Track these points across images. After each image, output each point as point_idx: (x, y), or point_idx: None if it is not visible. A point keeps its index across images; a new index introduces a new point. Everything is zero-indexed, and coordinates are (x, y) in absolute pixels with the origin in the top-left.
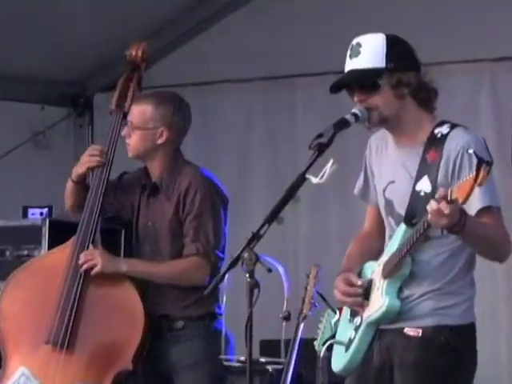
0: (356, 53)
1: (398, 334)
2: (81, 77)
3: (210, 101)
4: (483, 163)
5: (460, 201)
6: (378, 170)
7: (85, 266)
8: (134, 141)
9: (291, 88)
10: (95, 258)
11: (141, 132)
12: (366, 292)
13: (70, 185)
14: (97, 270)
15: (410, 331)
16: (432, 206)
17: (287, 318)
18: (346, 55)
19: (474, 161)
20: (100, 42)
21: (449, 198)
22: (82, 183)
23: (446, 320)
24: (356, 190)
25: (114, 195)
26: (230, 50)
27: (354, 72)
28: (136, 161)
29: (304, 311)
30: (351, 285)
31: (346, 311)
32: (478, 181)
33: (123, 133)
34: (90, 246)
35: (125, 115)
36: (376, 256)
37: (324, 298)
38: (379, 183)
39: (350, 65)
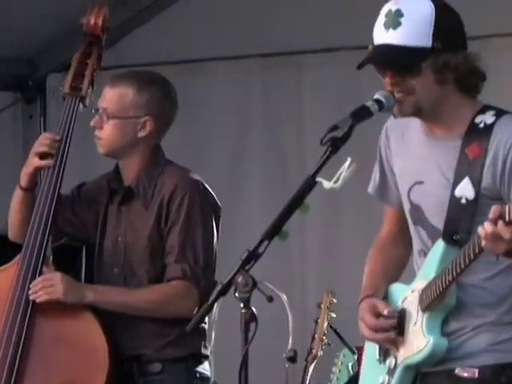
0: (395, 23)
1: (448, 376)
2: (30, 53)
3: (193, 83)
4: None
5: None
6: (400, 164)
7: (41, 294)
8: (107, 133)
9: (297, 67)
10: (55, 285)
11: (118, 122)
12: (399, 324)
13: (17, 194)
14: (54, 297)
15: (463, 372)
16: (486, 229)
17: (293, 359)
18: (364, 27)
19: None
20: (54, 12)
21: (507, 218)
22: (32, 190)
23: (506, 357)
24: (370, 189)
25: (71, 211)
26: (219, 20)
27: (389, 48)
28: (96, 161)
29: (314, 351)
30: (380, 316)
31: (373, 349)
32: None
33: (92, 123)
34: (44, 269)
35: (81, 100)
36: (401, 268)
37: (339, 334)
38: (402, 182)
39: (385, 37)
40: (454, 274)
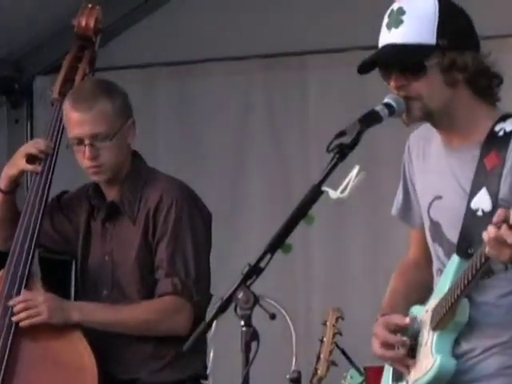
0: (397, 22)
1: None
2: (16, 55)
3: (190, 86)
4: None
5: None
6: (421, 180)
7: (23, 316)
8: (110, 157)
9: (301, 68)
10: (39, 306)
11: (114, 140)
12: (412, 347)
13: None
14: (39, 320)
15: None
16: (489, 233)
17: (297, 380)
18: (373, 27)
19: None
20: (41, 11)
21: (511, 222)
22: (13, 194)
23: None
24: (394, 210)
25: (50, 222)
26: (217, 20)
27: (392, 47)
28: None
29: (319, 371)
30: (395, 330)
31: (387, 373)
32: None
33: (88, 156)
34: (36, 286)
35: None
36: (424, 291)
37: (346, 354)
38: (423, 198)
39: (388, 37)
40: (462, 287)
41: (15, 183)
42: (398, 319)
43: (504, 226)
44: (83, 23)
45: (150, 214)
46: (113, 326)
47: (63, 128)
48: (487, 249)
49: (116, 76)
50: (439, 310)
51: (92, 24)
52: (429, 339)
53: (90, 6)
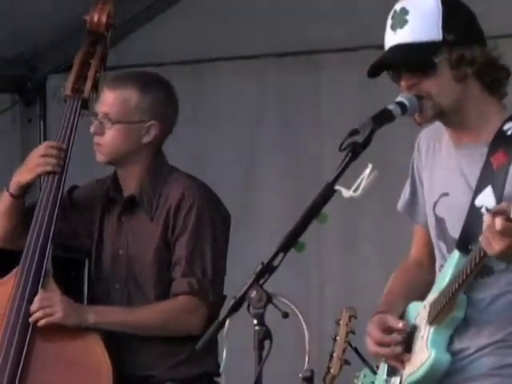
0: (401, 22)
1: None
2: (29, 54)
3: (202, 85)
4: None
5: None
6: (429, 177)
7: (39, 315)
8: (110, 139)
9: (313, 67)
10: (54, 306)
11: (123, 127)
12: (408, 342)
13: (5, 201)
14: (53, 320)
15: None
16: (485, 222)
17: (309, 379)
18: (384, 26)
19: None
20: (54, 10)
21: (511, 215)
22: (23, 198)
23: (510, 383)
24: (400, 205)
25: (62, 218)
26: (228, 18)
27: (399, 48)
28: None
29: (332, 370)
30: (389, 331)
31: (382, 368)
32: None
33: (93, 129)
34: (50, 285)
35: (84, 103)
36: (425, 291)
37: (359, 353)
38: (429, 196)
39: (394, 38)
40: (461, 281)
41: (26, 189)
42: (391, 321)
43: (498, 218)
44: (95, 18)
45: (171, 213)
46: (128, 327)
47: (77, 124)
48: (480, 238)
49: None
50: (437, 304)
51: (104, 19)
52: (425, 333)
53: (101, 2)
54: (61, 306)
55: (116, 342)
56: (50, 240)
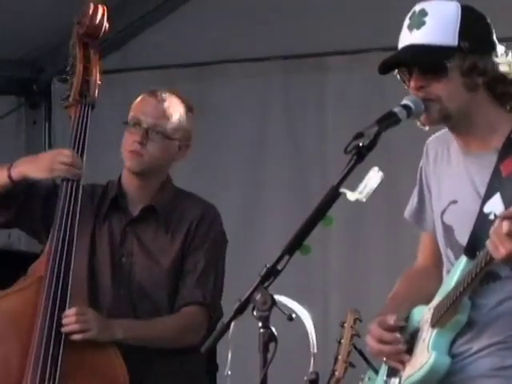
0: (419, 23)
1: None
2: (33, 55)
3: (207, 88)
4: None
5: None
6: (437, 185)
7: (76, 328)
8: (153, 151)
9: (319, 70)
10: (89, 322)
11: (168, 142)
12: (411, 344)
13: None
14: (87, 336)
15: None
16: (493, 227)
17: (314, 381)
18: (391, 28)
19: None
20: (59, 12)
21: None
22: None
23: None
24: (407, 213)
25: (41, 205)
26: (235, 21)
27: (413, 48)
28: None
29: (337, 373)
30: (390, 330)
31: (382, 370)
32: None
33: (138, 139)
34: (77, 301)
35: (91, 106)
36: (431, 300)
37: (364, 356)
38: (437, 203)
39: (409, 38)
40: (465, 285)
41: (28, 181)
42: (391, 319)
43: (506, 222)
44: (96, 22)
45: (192, 228)
46: (152, 341)
47: (87, 129)
48: (487, 242)
49: (134, 77)
50: (441, 307)
51: (104, 22)
52: (427, 336)
53: (94, 3)
54: (95, 322)
55: (130, 358)
56: (73, 248)
